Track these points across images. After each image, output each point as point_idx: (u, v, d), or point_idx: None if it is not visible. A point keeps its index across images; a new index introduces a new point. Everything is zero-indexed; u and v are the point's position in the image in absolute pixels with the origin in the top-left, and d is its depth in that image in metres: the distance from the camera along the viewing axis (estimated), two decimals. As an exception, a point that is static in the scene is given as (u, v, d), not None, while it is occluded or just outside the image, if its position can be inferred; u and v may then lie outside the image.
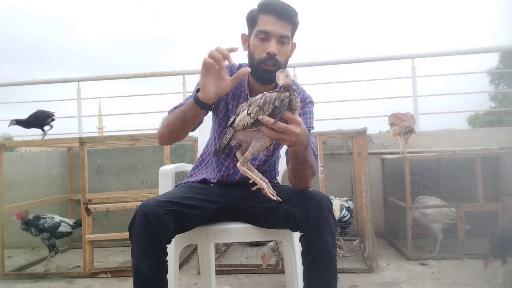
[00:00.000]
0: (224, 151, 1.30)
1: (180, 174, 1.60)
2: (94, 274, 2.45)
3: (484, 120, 17.06)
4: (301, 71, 4.19)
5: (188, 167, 1.66)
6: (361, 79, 4.22)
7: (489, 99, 15.11)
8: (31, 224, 2.54)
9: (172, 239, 1.09)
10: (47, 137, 3.03)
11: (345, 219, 2.58)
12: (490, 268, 2.06)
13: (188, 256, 2.80)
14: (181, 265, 2.59)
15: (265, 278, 2.28)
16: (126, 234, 1.08)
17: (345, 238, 2.70)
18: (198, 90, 1.08)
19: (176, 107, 1.24)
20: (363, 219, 2.52)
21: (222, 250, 2.80)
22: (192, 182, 1.40)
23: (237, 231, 1.27)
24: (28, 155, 3.64)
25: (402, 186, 2.60)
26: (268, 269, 2.35)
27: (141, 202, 1.08)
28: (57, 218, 2.63)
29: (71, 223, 2.68)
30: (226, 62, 1.05)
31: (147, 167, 3.36)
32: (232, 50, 1.04)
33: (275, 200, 1.09)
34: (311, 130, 1.29)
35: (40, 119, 2.94)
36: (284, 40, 1.21)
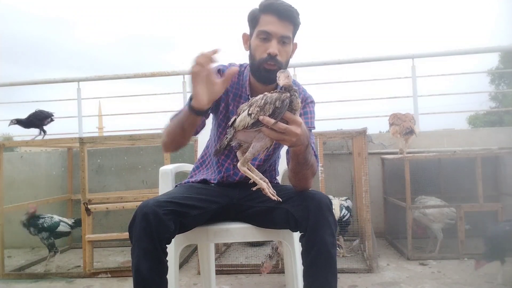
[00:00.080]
0: (224, 152, 1.30)
1: (180, 174, 1.60)
2: (94, 274, 2.45)
3: (484, 120, 17.05)
4: (301, 71, 4.19)
5: (188, 167, 1.66)
6: (361, 79, 4.22)
7: (489, 99, 15.13)
8: (30, 223, 2.54)
9: (172, 239, 1.09)
10: (47, 137, 3.04)
11: (345, 218, 2.58)
12: (490, 268, 2.06)
13: (188, 256, 2.80)
14: (181, 265, 2.59)
15: (265, 278, 2.28)
16: (126, 234, 1.08)
17: (345, 238, 2.70)
18: (191, 98, 1.07)
19: (176, 114, 1.24)
20: (363, 219, 2.52)
21: (222, 250, 2.80)
22: (192, 182, 1.40)
23: (237, 231, 1.27)
24: (28, 155, 3.64)
25: (402, 186, 2.60)
26: (268, 269, 2.35)
27: (141, 202, 1.08)
28: (56, 218, 2.62)
29: (70, 223, 2.68)
30: (218, 65, 1.04)
31: (147, 167, 3.36)
32: (215, 52, 1.02)
33: (275, 200, 1.09)
34: (312, 130, 1.29)
35: (39, 119, 2.95)
36: (285, 41, 1.21)
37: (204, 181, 1.38)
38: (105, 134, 7.43)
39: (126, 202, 2.47)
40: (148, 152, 3.37)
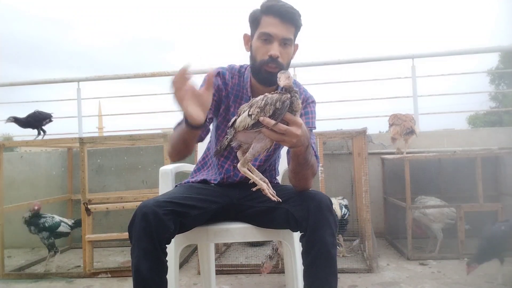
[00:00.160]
0: (224, 153, 1.30)
1: (180, 174, 1.60)
2: (94, 274, 2.45)
3: (484, 120, 17.05)
4: (302, 71, 4.20)
5: (188, 167, 1.66)
6: (361, 79, 4.22)
7: (489, 99, 15.13)
8: (32, 222, 2.54)
9: (172, 239, 1.09)
10: (47, 137, 3.04)
11: (346, 217, 2.62)
12: (490, 268, 2.06)
13: (188, 256, 2.80)
14: (181, 265, 2.59)
15: (265, 278, 2.28)
16: (126, 234, 1.08)
17: (345, 237, 2.71)
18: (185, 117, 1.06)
19: (179, 123, 1.25)
20: (363, 219, 2.52)
21: (222, 250, 2.80)
22: (192, 182, 1.40)
23: (237, 231, 1.27)
24: (28, 155, 3.64)
25: (402, 186, 2.60)
26: (268, 269, 2.35)
27: (141, 202, 1.08)
28: (57, 218, 2.63)
29: (70, 223, 2.69)
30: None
31: (147, 167, 3.36)
32: (185, 69, 0.99)
33: (275, 200, 1.09)
34: (313, 130, 1.29)
35: (37, 120, 2.95)
36: (287, 43, 1.21)
37: (204, 181, 1.38)
38: (105, 134, 7.43)
39: (126, 202, 2.47)
40: (148, 152, 3.37)
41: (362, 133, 2.41)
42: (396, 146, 2.91)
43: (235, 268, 2.42)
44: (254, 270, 2.38)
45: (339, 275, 2.11)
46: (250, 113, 1.01)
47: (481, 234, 2.10)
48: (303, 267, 1.09)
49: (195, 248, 2.85)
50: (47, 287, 2.34)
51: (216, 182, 1.35)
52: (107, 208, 2.48)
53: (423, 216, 2.57)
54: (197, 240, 1.34)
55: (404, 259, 2.56)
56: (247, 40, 1.29)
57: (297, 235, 1.20)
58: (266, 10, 1.20)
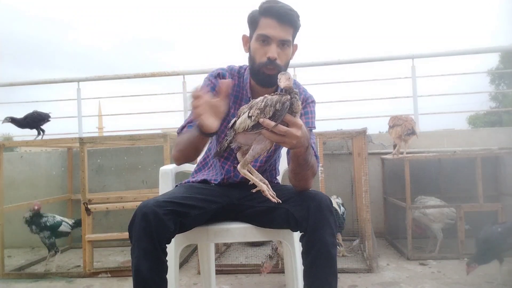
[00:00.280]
0: (224, 154, 1.30)
1: (180, 174, 1.60)
2: (94, 274, 2.45)
3: (484, 120, 17.06)
4: (301, 71, 4.20)
5: (188, 167, 1.66)
6: (361, 79, 4.22)
7: (490, 99, 15.12)
8: (33, 221, 2.54)
9: (172, 239, 1.09)
10: (47, 137, 3.03)
11: (344, 215, 2.64)
12: (490, 268, 2.06)
13: (188, 256, 2.80)
14: (181, 265, 2.59)
15: (265, 278, 2.28)
16: (126, 234, 1.08)
17: (345, 237, 2.71)
18: (198, 126, 1.06)
19: (183, 127, 1.26)
20: (363, 219, 2.52)
21: (222, 250, 2.80)
22: (192, 182, 1.40)
23: (237, 231, 1.27)
24: (28, 155, 3.64)
25: (402, 186, 2.60)
26: (268, 269, 2.35)
27: (141, 202, 1.08)
28: (58, 217, 2.63)
29: (70, 223, 2.69)
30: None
31: (147, 167, 3.36)
32: (197, 90, 1.01)
33: (275, 202, 1.09)
34: (313, 130, 1.29)
35: (35, 121, 2.95)
36: (285, 44, 1.21)
37: (205, 181, 1.38)
38: (105, 134, 7.43)
39: (126, 202, 2.47)
40: (148, 152, 3.37)
41: (362, 133, 2.41)
42: (397, 148, 2.91)
43: (235, 268, 2.42)
44: (254, 270, 2.38)
45: (339, 275, 2.11)
46: (250, 114, 1.01)
47: (477, 236, 2.09)
48: (303, 267, 1.09)
49: (195, 248, 2.85)
50: (47, 287, 2.35)
51: (216, 182, 1.35)
52: (107, 208, 2.48)
53: (423, 216, 2.57)
54: (197, 240, 1.34)
55: (404, 259, 2.56)
56: (246, 41, 1.29)
57: (297, 235, 1.20)
58: (264, 12, 1.20)
